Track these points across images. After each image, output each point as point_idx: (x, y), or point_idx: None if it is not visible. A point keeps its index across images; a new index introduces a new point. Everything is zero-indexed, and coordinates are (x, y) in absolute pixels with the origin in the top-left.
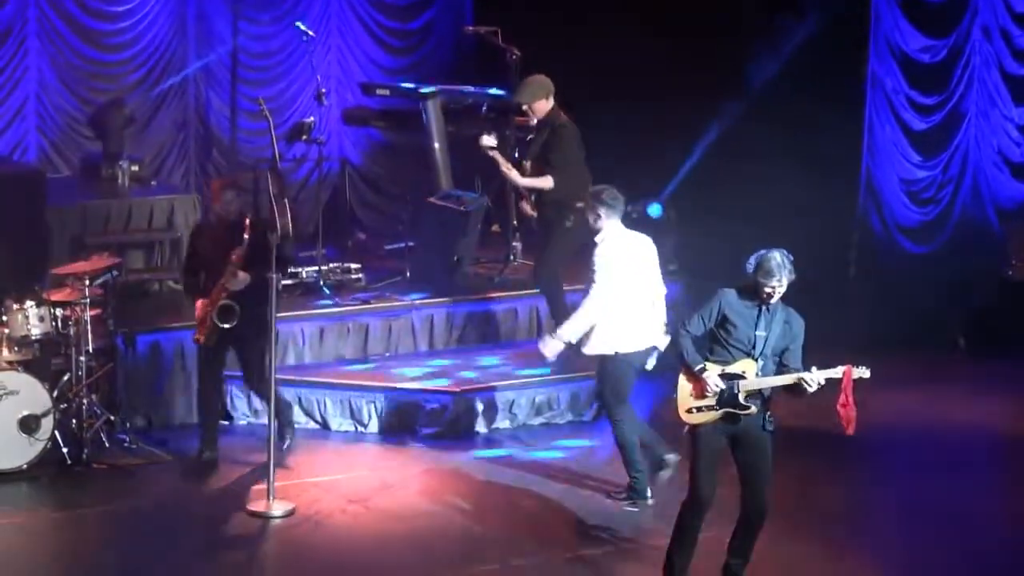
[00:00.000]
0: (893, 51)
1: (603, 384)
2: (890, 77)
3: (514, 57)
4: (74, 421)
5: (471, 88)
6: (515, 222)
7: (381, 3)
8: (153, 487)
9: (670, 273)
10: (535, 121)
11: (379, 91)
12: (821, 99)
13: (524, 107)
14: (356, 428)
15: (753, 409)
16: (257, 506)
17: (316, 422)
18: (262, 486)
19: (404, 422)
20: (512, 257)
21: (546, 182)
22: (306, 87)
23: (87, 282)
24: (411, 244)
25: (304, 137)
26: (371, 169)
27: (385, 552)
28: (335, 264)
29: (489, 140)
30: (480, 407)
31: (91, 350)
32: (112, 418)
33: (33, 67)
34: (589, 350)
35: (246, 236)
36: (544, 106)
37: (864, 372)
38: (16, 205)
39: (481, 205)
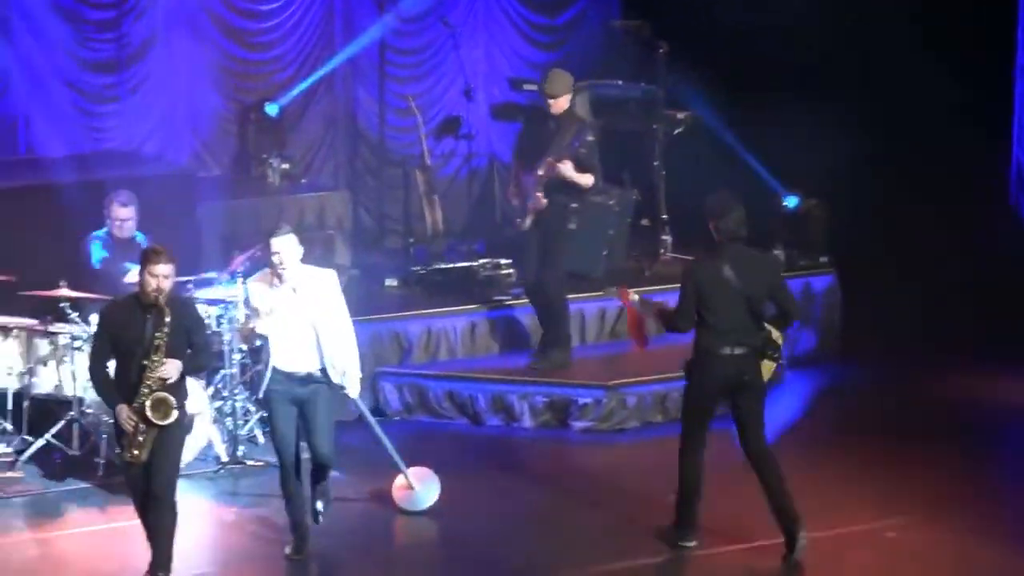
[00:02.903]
0: None
1: None
2: None
3: (662, 51)
4: (229, 419)
5: (619, 82)
6: (664, 216)
7: None
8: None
9: (821, 265)
10: (553, 112)
11: (527, 86)
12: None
13: (548, 98)
14: (508, 423)
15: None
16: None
17: (468, 417)
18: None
19: (556, 416)
20: (663, 251)
21: (587, 179)
22: (454, 83)
23: (241, 280)
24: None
25: (453, 133)
26: None
27: (537, 546)
28: (485, 260)
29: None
30: (632, 401)
31: (244, 348)
32: (266, 415)
33: (183, 67)
34: None
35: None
36: (566, 101)
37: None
38: (168, 204)
39: (630, 199)
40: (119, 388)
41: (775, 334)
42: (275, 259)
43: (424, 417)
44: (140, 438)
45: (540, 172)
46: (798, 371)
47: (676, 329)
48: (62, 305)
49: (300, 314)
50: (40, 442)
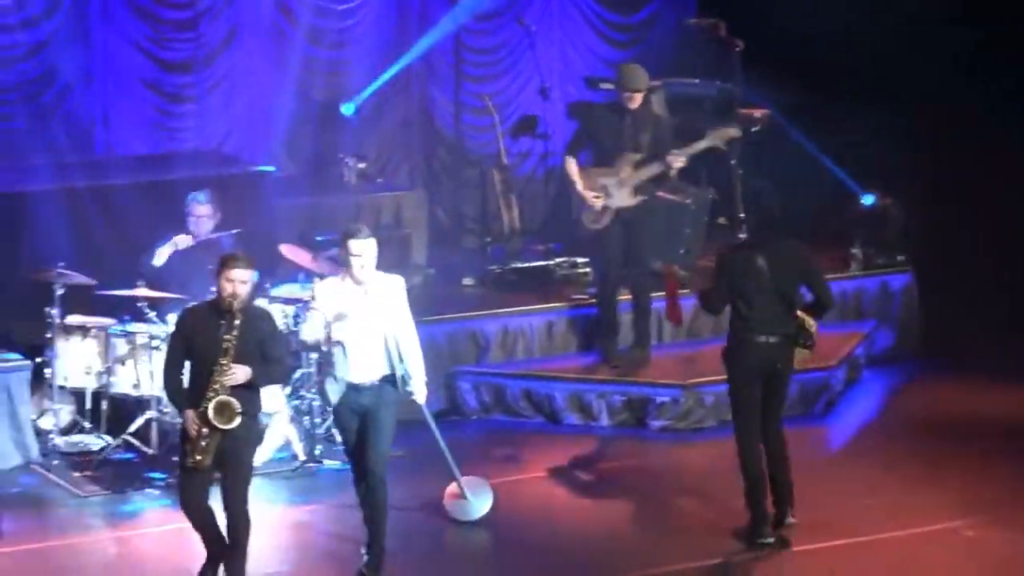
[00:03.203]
0: None
1: None
2: None
3: (737, 49)
4: (306, 418)
5: (695, 81)
6: (741, 214)
7: None
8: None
9: (898, 264)
10: (631, 107)
11: (603, 85)
12: None
13: (630, 93)
14: (585, 422)
15: None
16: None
17: (545, 416)
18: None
19: (634, 415)
20: None
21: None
22: (530, 82)
23: (316, 279)
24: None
25: (529, 132)
26: None
27: (618, 544)
28: (562, 259)
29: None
30: (710, 400)
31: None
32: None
33: (260, 67)
34: None
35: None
36: (642, 97)
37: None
38: (245, 204)
39: (706, 198)
40: (192, 394)
41: (809, 322)
42: (355, 262)
43: (501, 416)
44: (203, 443)
45: (672, 164)
46: (876, 370)
47: (710, 310)
48: (140, 304)
49: (370, 319)
50: (118, 441)
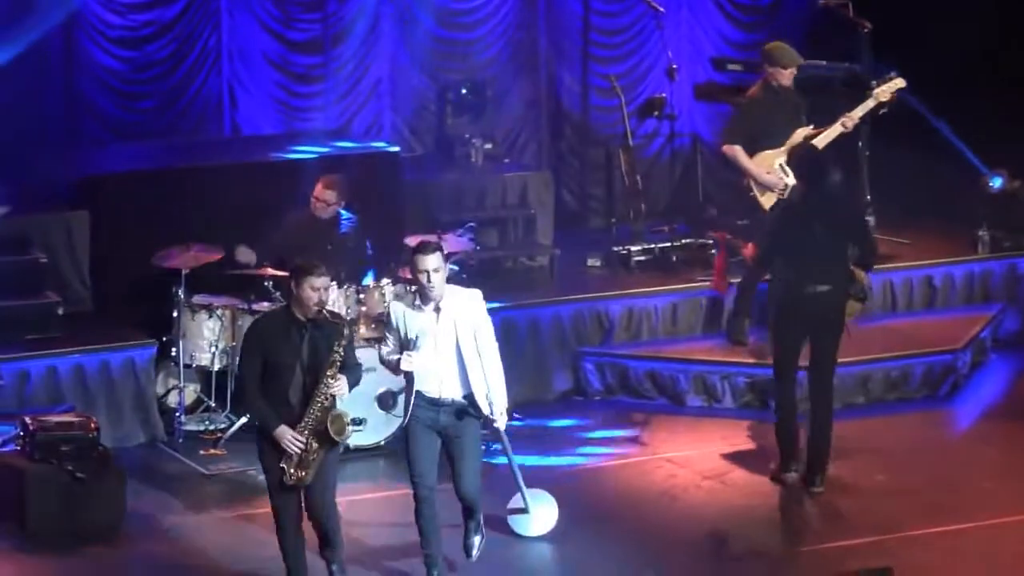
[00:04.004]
0: None
1: None
2: None
3: (865, 30)
4: None
5: (823, 62)
6: (868, 196)
7: None
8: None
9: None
10: (786, 85)
11: (730, 66)
12: None
13: (787, 70)
14: (710, 403)
15: None
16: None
17: (669, 397)
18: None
19: (758, 397)
20: None
21: None
22: (657, 63)
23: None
24: (746, 222)
25: (655, 113)
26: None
27: (741, 528)
28: (687, 240)
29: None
30: (834, 382)
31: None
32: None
33: (387, 47)
34: None
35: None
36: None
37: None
38: (372, 185)
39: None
40: (271, 408)
41: (860, 275)
42: (422, 278)
43: (625, 397)
44: (312, 457)
45: (848, 125)
46: (1002, 353)
47: (761, 263)
48: (265, 283)
49: (444, 338)
50: (242, 420)
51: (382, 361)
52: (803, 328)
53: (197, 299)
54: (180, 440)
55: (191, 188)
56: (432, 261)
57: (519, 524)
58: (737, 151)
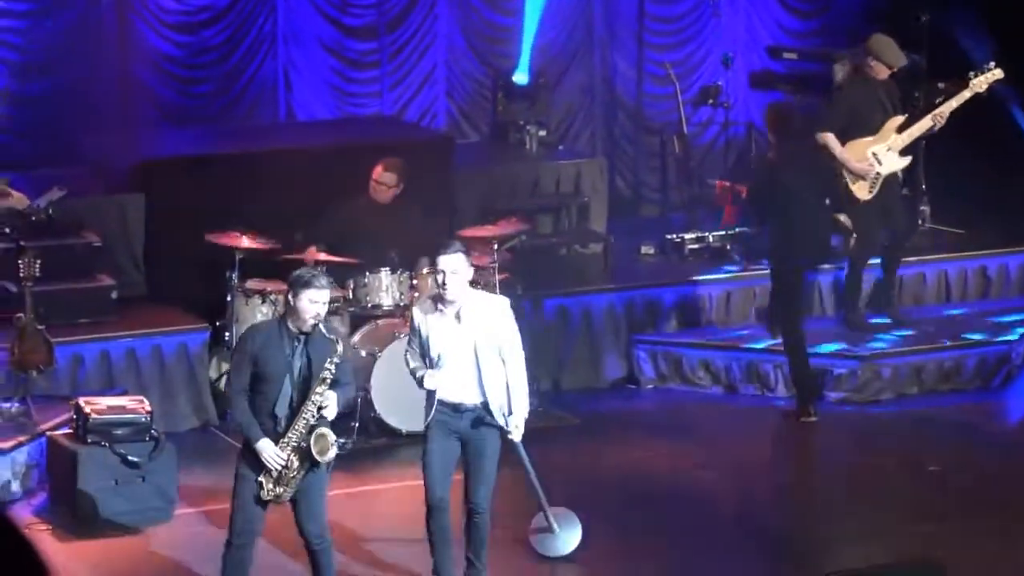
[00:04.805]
0: None
1: None
2: None
3: (923, 20)
4: None
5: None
6: (923, 186)
7: None
8: (561, 449)
9: None
10: (882, 78)
11: (786, 55)
12: None
13: (892, 66)
14: (763, 392)
15: None
16: None
17: (723, 386)
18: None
19: None
20: (921, 222)
21: None
22: (712, 51)
23: (496, 246)
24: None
25: (710, 101)
26: None
27: (791, 516)
28: (742, 228)
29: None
30: (887, 373)
31: None
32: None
33: (442, 34)
34: None
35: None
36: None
37: None
38: (426, 171)
39: None
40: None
41: (841, 219)
42: (439, 279)
43: (678, 386)
44: (293, 475)
45: (933, 120)
46: None
47: (756, 210)
48: (319, 268)
49: (464, 344)
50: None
51: (408, 367)
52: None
53: (250, 284)
54: (232, 424)
55: (246, 173)
56: (450, 262)
57: (544, 545)
58: (829, 138)
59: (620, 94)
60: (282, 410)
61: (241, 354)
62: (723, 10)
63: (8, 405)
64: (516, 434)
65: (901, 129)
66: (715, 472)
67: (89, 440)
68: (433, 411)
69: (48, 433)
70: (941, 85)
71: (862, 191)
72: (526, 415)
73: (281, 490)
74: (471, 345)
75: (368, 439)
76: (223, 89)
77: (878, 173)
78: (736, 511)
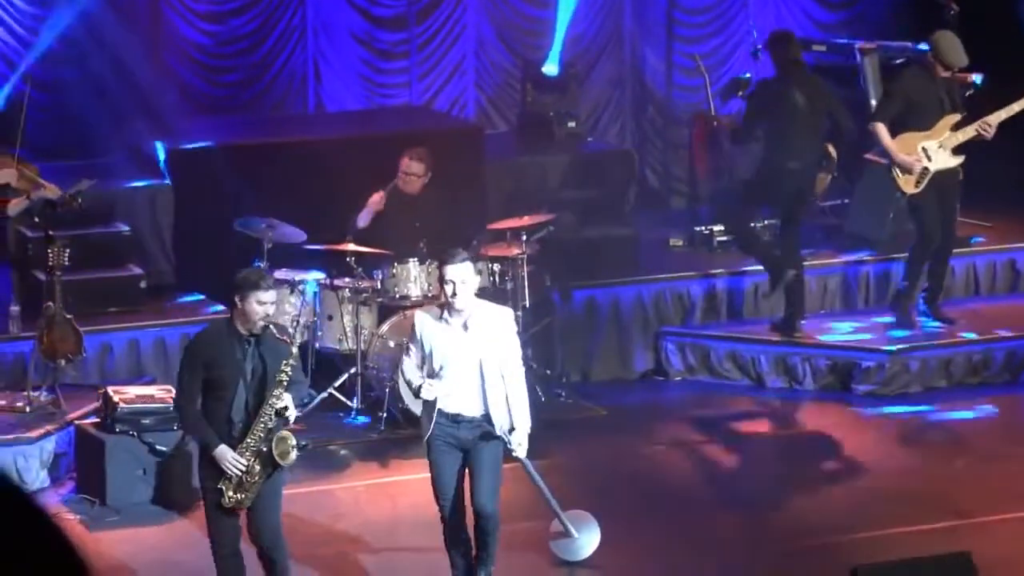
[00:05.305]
0: None
1: None
2: None
3: (952, 13)
4: None
5: (909, 45)
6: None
7: None
8: (588, 440)
9: None
10: (944, 76)
11: (815, 47)
12: None
13: (952, 69)
14: (791, 385)
15: None
16: None
17: (751, 379)
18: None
19: (839, 379)
20: None
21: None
22: (742, 43)
23: (524, 237)
24: (846, 201)
25: (740, 93)
26: None
27: (819, 510)
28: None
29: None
30: (915, 366)
31: (527, 305)
32: (548, 372)
33: (471, 24)
34: None
35: None
36: None
37: None
38: (455, 161)
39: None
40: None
41: (831, 150)
42: (448, 288)
43: (705, 378)
44: (253, 480)
45: (979, 131)
46: None
47: (742, 139)
48: (347, 259)
49: (468, 355)
50: (323, 395)
51: (403, 376)
52: (775, 197)
53: (279, 274)
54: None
55: (275, 162)
56: (459, 271)
57: (563, 549)
58: (880, 129)
59: (649, 85)
60: (238, 415)
61: (191, 360)
62: (752, 1)
63: (36, 394)
64: (520, 451)
65: (956, 127)
66: (741, 464)
67: (117, 429)
68: (432, 423)
69: (76, 422)
70: (971, 78)
71: (908, 184)
72: (528, 431)
73: (242, 496)
74: (476, 356)
75: (395, 430)
76: (252, 79)
77: (926, 168)
78: (761, 504)
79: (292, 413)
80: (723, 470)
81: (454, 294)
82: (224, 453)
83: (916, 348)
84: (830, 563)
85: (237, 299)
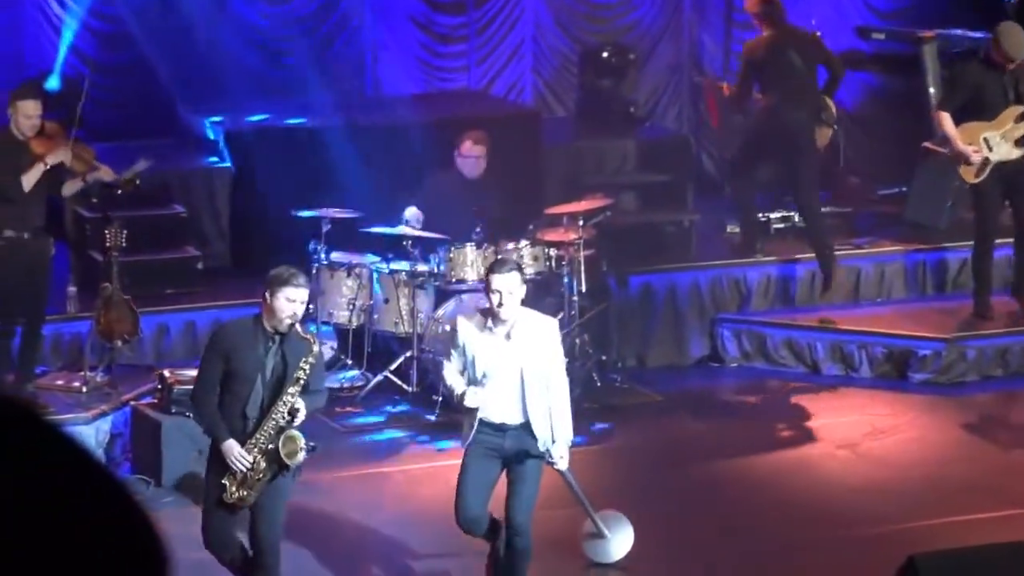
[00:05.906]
0: None
1: None
2: None
3: (1012, 2)
4: (567, 360)
5: (969, 33)
6: None
7: None
8: (644, 426)
9: None
10: (1011, 66)
11: (875, 35)
12: None
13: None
14: (846, 372)
15: None
16: None
17: (806, 366)
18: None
19: (896, 368)
20: (1007, 202)
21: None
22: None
23: (581, 222)
24: (904, 189)
25: None
26: (864, 113)
27: (871, 499)
28: (828, 207)
29: None
30: (972, 355)
31: (584, 290)
32: (604, 358)
33: (530, 8)
34: None
35: None
36: None
37: None
38: (512, 145)
39: None
40: (224, 421)
41: (829, 102)
42: (494, 298)
43: (761, 365)
44: (258, 478)
45: None
46: None
47: (736, 106)
48: (404, 243)
49: (511, 364)
50: (379, 378)
51: (444, 385)
52: (775, 151)
53: (336, 256)
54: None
55: (332, 145)
56: (507, 282)
57: (595, 550)
58: (944, 117)
59: (707, 71)
60: (253, 411)
61: (212, 351)
62: None
63: (93, 374)
64: (562, 464)
65: (1021, 119)
66: (797, 452)
67: (173, 410)
68: (474, 431)
69: (132, 403)
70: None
71: (968, 174)
72: (570, 443)
73: (245, 493)
74: (518, 365)
75: (449, 413)
76: (312, 61)
77: (987, 159)
78: (816, 491)
79: (302, 415)
80: (777, 457)
81: (500, 304)
82: (231, 447)
83: (973, 337)
84: (886, 551)
85: (267, 294)
